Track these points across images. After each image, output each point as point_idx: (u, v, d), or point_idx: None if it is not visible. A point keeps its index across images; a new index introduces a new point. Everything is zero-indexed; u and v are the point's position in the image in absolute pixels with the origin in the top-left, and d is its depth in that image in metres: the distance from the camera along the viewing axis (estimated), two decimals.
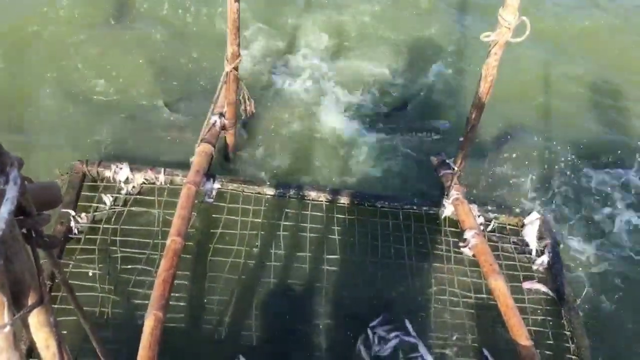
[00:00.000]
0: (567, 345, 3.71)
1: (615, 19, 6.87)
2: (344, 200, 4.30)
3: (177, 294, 3.51)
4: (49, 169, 4.11)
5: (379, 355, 3.53)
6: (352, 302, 3.79)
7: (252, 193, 4.23)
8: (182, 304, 3.56)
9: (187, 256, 3.77)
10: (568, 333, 3.76)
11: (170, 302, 3.22)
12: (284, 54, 5.77)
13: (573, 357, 3.65)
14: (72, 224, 3.79)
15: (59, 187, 1.32)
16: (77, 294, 3.36)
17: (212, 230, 4.00)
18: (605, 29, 6.72)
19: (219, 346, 3.41)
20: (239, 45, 3.82)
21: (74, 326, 3.22)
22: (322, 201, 4.30)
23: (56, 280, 3.31)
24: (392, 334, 3.61)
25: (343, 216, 4.24)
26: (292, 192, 4.27)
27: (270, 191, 4.25)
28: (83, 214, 3.87)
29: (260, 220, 4.10)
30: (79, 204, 3.95)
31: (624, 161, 5.22)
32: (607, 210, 4.76)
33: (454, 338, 3.66)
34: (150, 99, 5.03)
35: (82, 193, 4.03)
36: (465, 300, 3.86)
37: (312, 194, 4.29)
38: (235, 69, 3.94)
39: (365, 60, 5.84)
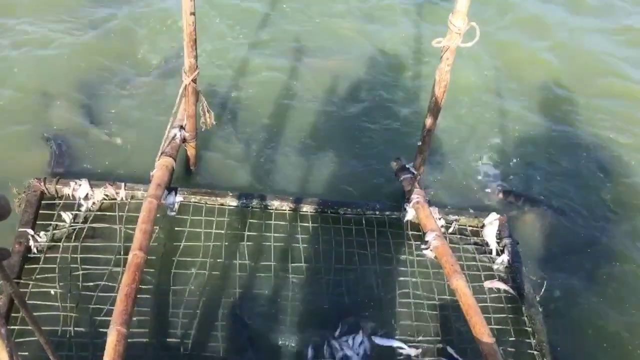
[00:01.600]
0: (528, 341, 3.80)
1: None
2: (307, 208, 4.33)
3: (141, 309, 3.48)
4: (6, 188, 4.05)
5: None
6: (319, 309, 3.81)
7: (214, 204, 4.23)
8: (146, 318, 3.53)
9: (151, 270, 3.75)
10: (529, 329, 3.86)
11: (135, 317, 3.20)
12: (243, 65, 5.79)
13: (534, 352, 3.74)
14: (31, 243, 3.72)
15: (7, 198, 1.32)
16: (38, 313, 3.35)
17: (175, 243, 3.98)
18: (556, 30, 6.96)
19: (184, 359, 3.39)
20: (196, 57, 3.83)
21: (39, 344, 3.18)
22: (285, 210, 4.32)
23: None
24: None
25: (307, 224, 4.27)
26: (255, 202, 4.28)
27: (233, 202, 4.26)
28: (42, 233, 3.81)
29: (224, 232, 4.10)
30: (37, 222, 3.88)
31: (576, 158, 5.40)
32: (564, 207, 4.89)
33: (419, 339, 3.71)
34: (110, 113, 4.98)
35: (41, 211, 3.96)
36: (428, 301, 3.92)
37: (275, 204, 4.31)
38: (194, 81, 3.95)
39: (325, 71, 5.90)
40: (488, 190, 4.90)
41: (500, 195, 4.84)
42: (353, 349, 3.58)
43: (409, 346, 3.65)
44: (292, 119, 5.29)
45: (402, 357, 3.62)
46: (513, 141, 5.48)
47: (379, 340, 3.68)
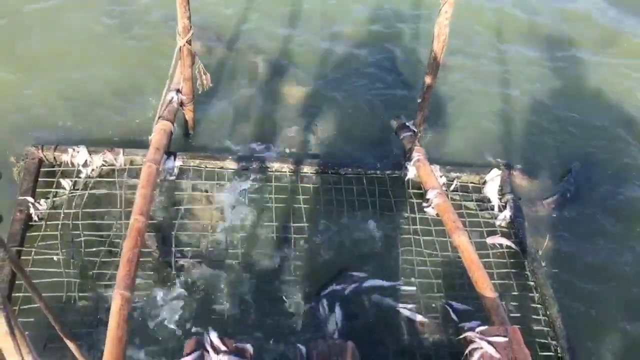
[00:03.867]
0: (531, 294, 3.81)
1: None
2: (307, 169, 4.31)
3: (143, 272, 3.49)
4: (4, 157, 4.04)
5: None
6: (321, 268, 3.82)
7: (214, 168, 4.21)
8: (149, 281, 3.55)
9: (152, 234, 3.75)
10: (532, 283, 3.86)
11: (137, 281, 3.21)
12: (240, 25, 5.70)
13: (538, 305, 3.76)
14: (32, 211, 3.72)
15: None
16: (42, 280, 3.36)
17: (176, 207, 3.97)
18: None
19: (189, 321, 3.41)
20: (189, 18, 3.75)
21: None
22: (285, 172, 4.30)
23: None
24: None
25: (307, 185, 4.25)
26: (255, 164, 4.26)
27: (232, 165, 4.23)
28: (42, 200, 3.80)
29: (224, 194, 4.09)
30: (37, 190, 3.88)
31: (581, 112, 5.34)
32: (564, 161, 4.86)
33: (422, 296, 3.72)
34: (106, 78, 4.93)
35: (40, 179, 3.96)
36: (431, 259, 3.92)
37: (275, 165, 4.29)
38: (188, 42, 3.88)
39: (323, 31, 5.81)
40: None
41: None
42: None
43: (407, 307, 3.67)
44: (291, 79, 5.23)
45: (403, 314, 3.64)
46: (519, 96, 5.42)
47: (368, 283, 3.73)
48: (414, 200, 4.23)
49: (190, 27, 3.78)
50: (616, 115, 5.36)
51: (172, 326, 3.38)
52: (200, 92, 4.26)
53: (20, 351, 1.33)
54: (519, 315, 3.68)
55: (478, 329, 3.04)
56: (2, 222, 1.59)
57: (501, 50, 5.91)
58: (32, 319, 3.23)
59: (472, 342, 2.99)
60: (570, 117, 5.28)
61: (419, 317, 3.59)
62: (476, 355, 2.92)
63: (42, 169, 4.01)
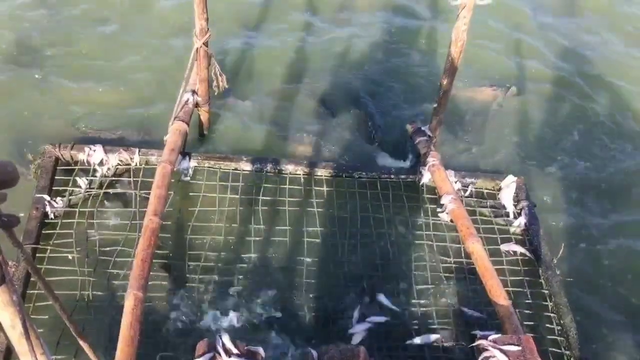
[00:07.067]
0: (545, 303, 3.76)
1: None
2: (321, 172, 4.30)
3: (157, 273, 3.51)
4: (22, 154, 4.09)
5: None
6: (334, 272, 3.80)
7: (229, 169, 4.21)
8: (162, 282, 3.56)
9: (166, 235, 3.77)
10: (546, 291, 3.82)
11: (151, 282, 3.22)
12: (256, 27, 5.71)
13: (552, 314, 3.71)
14: (48, 208, 3.75)
15: (14, 165, 1.30)
16: (57, 278, 3.38)
17: (190, 208, 3.98)
18: None
19: (200, 324, 3.41)
20: (207, 20, 3.77)
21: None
22: (299, 174, 4.29)
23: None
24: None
25: (321, 188, 4.24)
26: (269, 166, 4.26)
27: (247, 166, 4.24)
28: (58, 198, 3.83)
29: (238, 196, 4.09)
30: (53, 188, 3.92)
31: (597, 119, 5.29)
32: (583, 170, 4.82)
33: (434, 302, 3.70)
34: (121, 78, 4.96)
35: (56, 177, 3.99)
36: (444, 264, 3.90)
37: (290, 168, 4.28)
38: (205, 44, 3.90)
39: (340, 34, 5.81)
40: None
41: None
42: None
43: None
44: (307, 82, 5.24)
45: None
46: (536, 103, 5.39)
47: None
48: (428, 206, 4.21)
49: (208, 28, 3.80)
50: None
51: (184, 328, 3.38)
52: (216, 94, 4.28)
53: (34, 353, 1.34)
54: (532, 323, 3.64)
55: (491, 337, 3.02)
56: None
57: (520, 51, 5.87)
58: (47, 316, 3.27)
59: (485, 350, 2.96)
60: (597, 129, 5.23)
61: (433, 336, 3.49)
62: None
63: (58, 168, 4.04)
